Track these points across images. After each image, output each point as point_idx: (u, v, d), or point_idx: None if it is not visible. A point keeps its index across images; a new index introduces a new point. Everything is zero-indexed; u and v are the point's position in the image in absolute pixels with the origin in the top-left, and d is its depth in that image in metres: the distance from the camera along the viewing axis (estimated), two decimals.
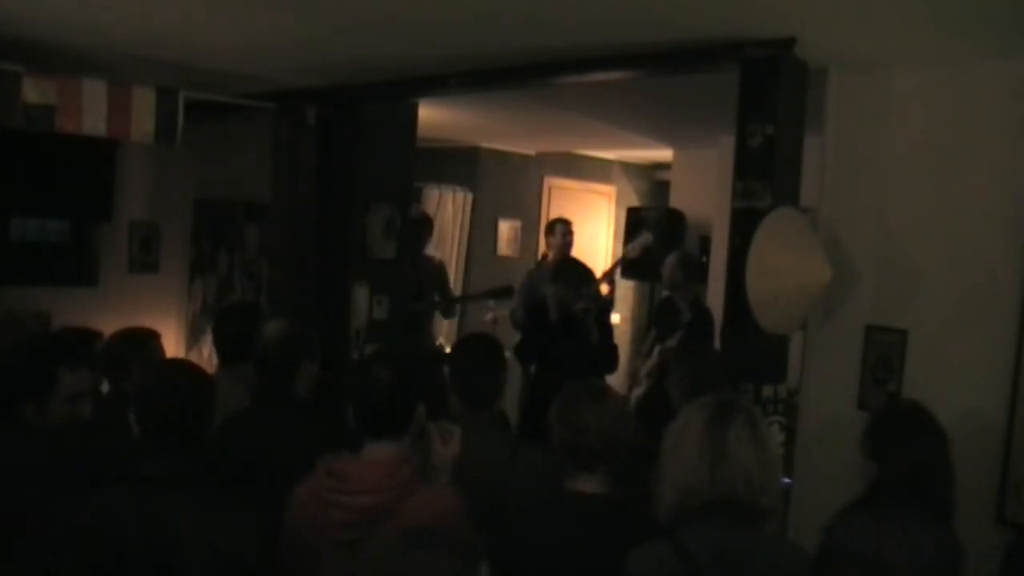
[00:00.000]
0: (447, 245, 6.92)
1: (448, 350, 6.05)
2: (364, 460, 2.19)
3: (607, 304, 5.55)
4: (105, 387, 3.32)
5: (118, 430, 2.41)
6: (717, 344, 5.05)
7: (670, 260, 5.25)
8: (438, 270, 5.94)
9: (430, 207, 6.81)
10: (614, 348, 4.82)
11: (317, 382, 2.96)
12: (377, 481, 2.12)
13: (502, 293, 5.80)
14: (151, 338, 3.17)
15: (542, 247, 7.01)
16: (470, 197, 7.10)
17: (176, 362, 2.88)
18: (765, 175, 3.17)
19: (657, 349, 5.02)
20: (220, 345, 3.34)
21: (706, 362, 3.22)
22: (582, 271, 4.73)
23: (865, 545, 2.14)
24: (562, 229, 5.86)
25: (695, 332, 4.84)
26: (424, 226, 5.75)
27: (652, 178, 8.08)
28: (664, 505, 1.95)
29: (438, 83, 4.31)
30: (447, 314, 6.16)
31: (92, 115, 4.25)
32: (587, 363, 4.44)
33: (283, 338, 2.90)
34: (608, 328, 4.81)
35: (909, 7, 2.70)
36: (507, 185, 7.32)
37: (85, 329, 3.38)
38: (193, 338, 6.41)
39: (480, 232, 7.18)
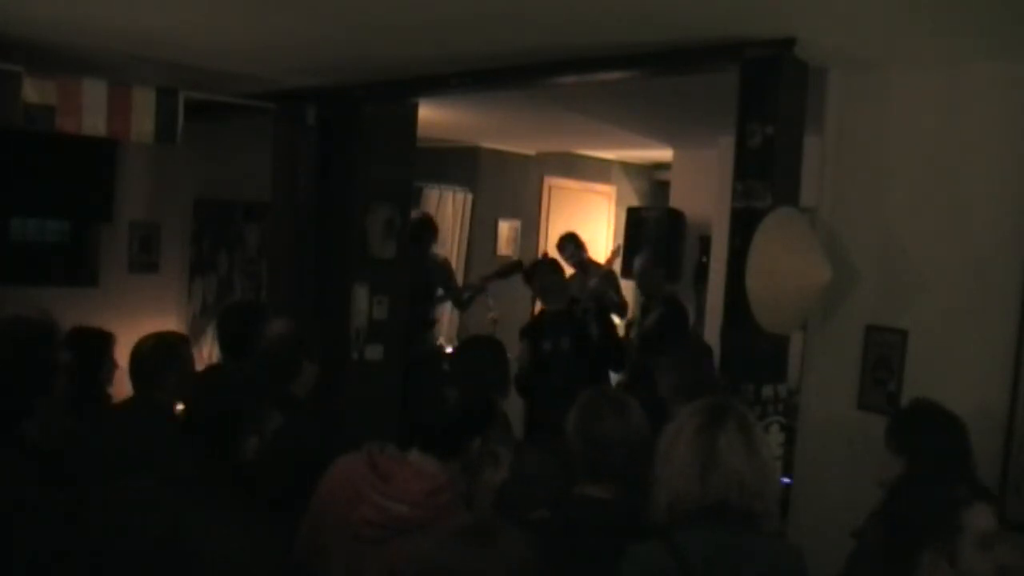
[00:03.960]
0: (447, 245, 6.92)
1: (449, 350, 6.06)
2: (411, 466, 2.15)
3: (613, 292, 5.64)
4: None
5: (148, 438, 2.41)
6: (697, 338, 5.13)
7: (638, 261, 5.34)
8: (443, 266, 5.98)
9: (430, 207, 6.82)
10: (618, 344, 4.85)
11: (317, 383, 2.96)
12: (418, 495, 2.08)
13: (512, 270, 5.85)
14: (182, 344, 3.15)
15: (542, 247, 7.04)
16: (470, 197, 7.10)
17: (224, 369, 2.85)
18: (765, 175, 3.17)
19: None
20: (223, 342, 3.35)
21: (694, 359, 3.22)
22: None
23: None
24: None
25: (667, 326, 4.86)
26: (428, 228, 5.77)
27: (652, 178, 8.08)
28: (658, 509, 1.95)
29: (438, 83, 4.31)
30: (463, 305, 6.19)
31: (92, 115, 4.25)
32: (589, 360, 4.48)
33: (285, 338, 2.89)
34: (611, 325, 4.83)
35: (909, 7, 2.70)
36: (507, 185, 7.31)
37: (98, 330, 3.37)
38: (193, 338, 6.41)
39: (480, 232, 7.17)
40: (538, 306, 6.03)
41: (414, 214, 5.69)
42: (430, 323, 5.84)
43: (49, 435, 2.48)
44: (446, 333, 6.67)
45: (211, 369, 2.48)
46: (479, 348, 3.10)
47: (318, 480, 2.26)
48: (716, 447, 1.90)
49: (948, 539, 1.82)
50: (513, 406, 5.51)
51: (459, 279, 6.71)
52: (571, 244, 6.15)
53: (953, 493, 1.91)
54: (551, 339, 4.61)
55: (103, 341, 3.35)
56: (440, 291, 5.88)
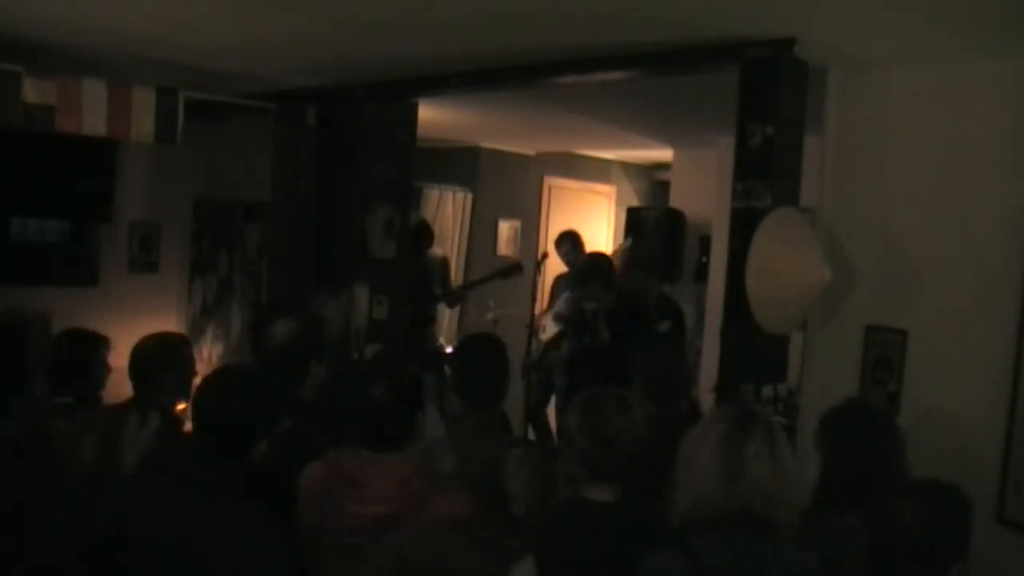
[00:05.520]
0: (447, 245, 6.93)
1: (449, 350, 6.06)
2: (377, 464, 2.15)
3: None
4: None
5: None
6: (694, 340, 5.10)
7: (619, 258, 5.27)
8: (441, 266, 6.01)
9: (430, 207, 6.83)
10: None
11: (321, 383, 2.94)
12: (391, 491, 2.09)
13: (511, 271, 5.87)
14: (182, 345, 3.14)
15: (542, 247, 7.04)
16: (470, 197, 7.11)
17: (237, 369, 2.83)
18: (765, 175, 3.17)
19: None
20: (252, 344, 3.34)
21: (661, 359, 3.18)
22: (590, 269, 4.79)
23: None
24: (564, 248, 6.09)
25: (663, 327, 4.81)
26: (424, 233, 5.79)
27: (652, 178, 8.08)
28: (677, 514, 1.92)
29: (438, 83, 4.31)
30: (451, 303, 6.21)
31: (92, 115, 4.25)
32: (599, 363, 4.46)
33: (294, 338, 2.86)
34: (624, 326, 4.79)
35: (909, 7, 2.70)
36: (507, 185, 7.31)
37: (93, 333, 3.36)
38: (193, 338, 6.40)
39: (480, 232, 7.18)
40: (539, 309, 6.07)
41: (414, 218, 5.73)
42: (429, 320, 5.87)
43: (31, 435, 2.46)
44: (446, 332, 6.67)
45: (222, 372, 2.46)
46: (478, 347, 3.07)
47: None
48: (743, 456, 1.86)
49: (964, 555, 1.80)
50: (514, 406, 5.51)
51: (461, 279, 6.74)
52: (567, 242, 6.10)
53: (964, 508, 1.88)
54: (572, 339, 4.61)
55: (93, 343, 3.32)
56: (439, 289, 5.91)
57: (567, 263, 6.05)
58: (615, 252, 6.18)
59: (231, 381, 2.27)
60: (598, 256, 5.31)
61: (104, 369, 3.29)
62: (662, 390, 3.04)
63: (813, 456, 2.43)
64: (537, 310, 5.93)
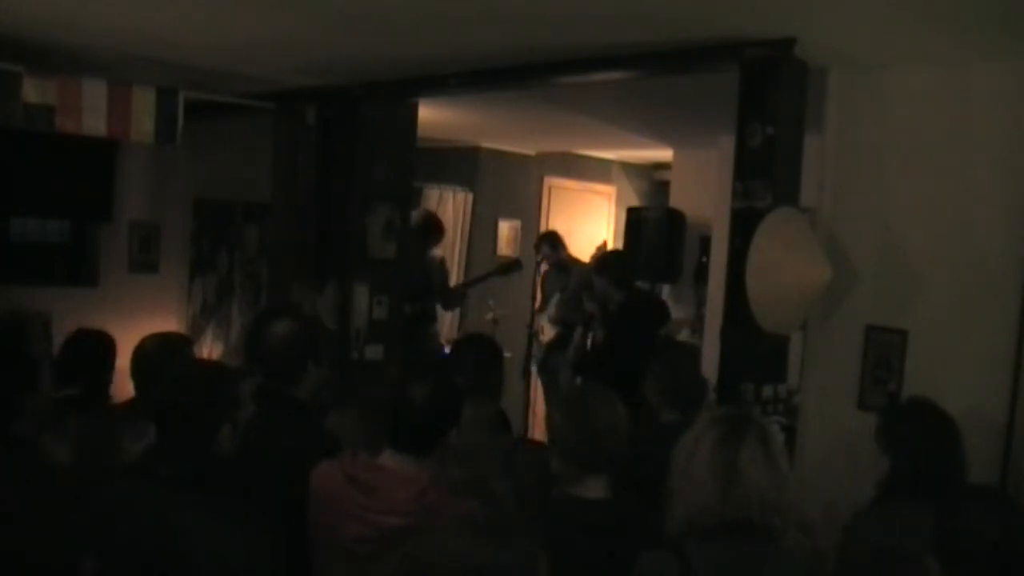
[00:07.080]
0: (447, 245, 6.92)
1: (447, 349, 6.07)
2: (392, 472, 2.11)
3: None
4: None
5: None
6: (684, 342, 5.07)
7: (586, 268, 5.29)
8: (440, 267, 6.00)
9: (430, 207, 6.82)
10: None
11: (319, 384, 2.94)
12: (407, 502, 2.05)
13: (511, 268, 5.88)
14: (185, 345, 3.13)
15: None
16: (470, 197, 7.10)
17: (199, 363, 2.83)
18: (765, 175, 3.17)
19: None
20: (245, 349, 3.34)
21: (681, 361, 3.18)
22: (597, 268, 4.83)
23: (879, 545, 2.13)
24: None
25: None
26: (434, 228, 5.75)
27: (652, 178, 8.07)
28: (674, 523, 1.89)
29: (438, 83, 4.31)
30: (448, 306, 6.22)
31: (92, 115, 4.25)
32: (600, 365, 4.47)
33: (292, 339, 2.86)
34: (621, 326, 4.78)
35: (909, 7, 2.70)
36: (507, 185, 7.31)
37: (100, 331, 3.37)
38: (193, 338, 6.40)
39: (480, 232, 7.17)
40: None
41: (421, 211, 5.72)
42: (431, 320, 5.86)
43: (45, 434, 2.47)
44: (446, 333, 6.67)
45: (169, 371, 2.47)
46: (473, 348, 3.08)
47: (301, 476, 2.23)
48: (738, 462, 1.84)
49: None
50: (513, 406, 5.52)
51: (461, 279, 6.73)
52: (545, 245, 6.20)
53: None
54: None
55: (110, 340, 3.34)
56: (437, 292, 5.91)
57: (548, 263, 6.15)
58: (598, 248, 6.20)
59: (182, 371, 2.28)
60: (605, 255, 5.33)
61: (114, 367, 3.32)
62: (686, 398, 3.01)
63: (876, 452, 2.44)
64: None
